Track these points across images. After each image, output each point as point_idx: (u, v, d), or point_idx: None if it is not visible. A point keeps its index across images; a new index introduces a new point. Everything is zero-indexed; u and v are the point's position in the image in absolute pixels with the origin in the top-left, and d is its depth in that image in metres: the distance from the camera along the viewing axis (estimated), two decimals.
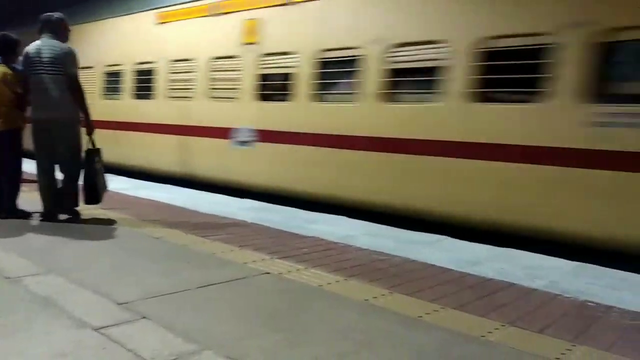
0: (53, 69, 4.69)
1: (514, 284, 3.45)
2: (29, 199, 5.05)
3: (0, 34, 5.04)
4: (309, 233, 4.74)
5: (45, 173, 4.86)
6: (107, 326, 2.37)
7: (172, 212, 5.57)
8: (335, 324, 2.58)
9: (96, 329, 2.33)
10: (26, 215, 4.85)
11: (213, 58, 8.40)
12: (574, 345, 2.43)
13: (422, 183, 5.98)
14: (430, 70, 5.94)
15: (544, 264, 4.16)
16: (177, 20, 9.15)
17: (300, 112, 7.15)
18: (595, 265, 4.24)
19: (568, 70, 4.96)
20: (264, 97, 7.68)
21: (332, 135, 6.75)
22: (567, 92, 4.97)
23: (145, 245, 4.04)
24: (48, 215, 4.80)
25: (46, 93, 4.70)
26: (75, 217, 4.88)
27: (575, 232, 4.99)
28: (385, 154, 6.27)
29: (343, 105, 6.74)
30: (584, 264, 4.25)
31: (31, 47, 4.77)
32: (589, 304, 3.08)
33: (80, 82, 4.84)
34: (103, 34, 10.79)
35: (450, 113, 5.73)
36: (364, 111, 6.46)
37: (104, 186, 5.02)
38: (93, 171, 4.89)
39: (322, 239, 4.50)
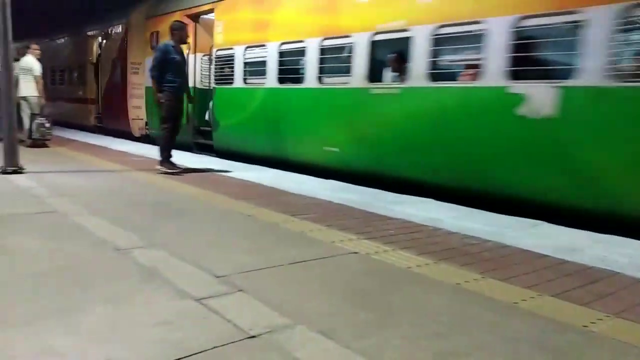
0: None
1: (617, 272, 3.23)
2: None
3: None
4: (394, 215, 4.71)
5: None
6: (207, 297, 2.50)
7: (261, 191, 5.76)
8: (425, 306, 2.55)
9: (197, 300, 2.47)
10: None
11: None
12: None
13: None
14: None
15: None
16: None
17: None
18: None
19: None
20: None
21: None
22: None
23: (238, 222, 4.22)
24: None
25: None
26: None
27: None
28: None
29: None
30: None
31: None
32: None
33: None
34: None
35: None
36: None
37: None
38: None
39: (409, 221, 4.45)
